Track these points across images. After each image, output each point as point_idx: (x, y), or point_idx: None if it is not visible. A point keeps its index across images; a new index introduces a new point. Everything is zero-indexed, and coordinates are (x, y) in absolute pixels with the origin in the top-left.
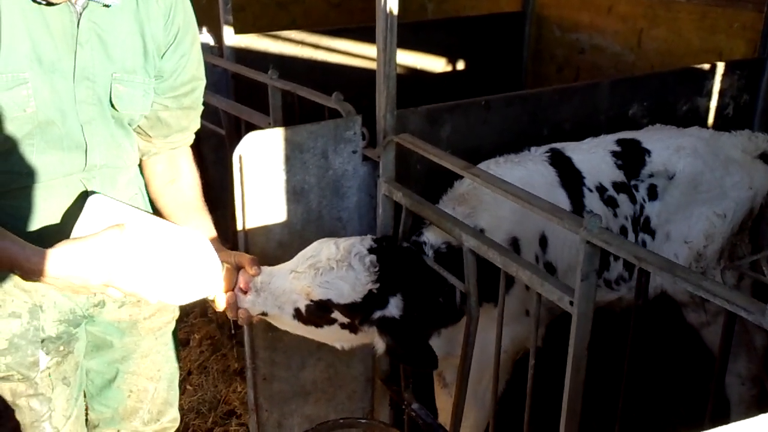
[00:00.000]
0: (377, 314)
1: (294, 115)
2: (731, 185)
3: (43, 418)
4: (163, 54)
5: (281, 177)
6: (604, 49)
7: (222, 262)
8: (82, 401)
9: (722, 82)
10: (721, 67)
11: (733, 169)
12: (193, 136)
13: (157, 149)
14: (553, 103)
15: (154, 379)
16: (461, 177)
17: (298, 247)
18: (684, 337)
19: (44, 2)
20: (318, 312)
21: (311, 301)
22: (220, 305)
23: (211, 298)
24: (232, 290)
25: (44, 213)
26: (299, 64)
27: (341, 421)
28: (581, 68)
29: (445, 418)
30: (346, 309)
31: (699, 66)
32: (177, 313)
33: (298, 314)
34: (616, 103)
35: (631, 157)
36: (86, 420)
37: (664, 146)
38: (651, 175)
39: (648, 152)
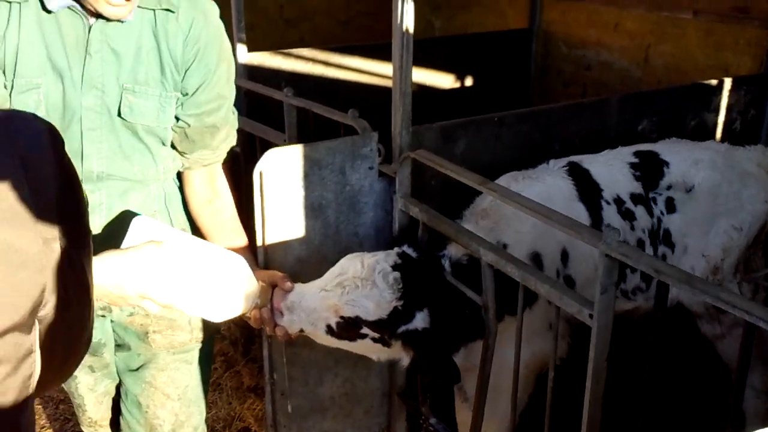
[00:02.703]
0: (402, 328)
1: (308, 131)
2: (748, 198)
3: (69, 383)
4: (186, 70)
5: (300, 193)
6: (611, 65)
7: (257, 280)
8: (113, 386)
9: (729, 97)
10: (728, 82)
11: (750, 182)
12: (224, 155)
13: (189, 164)
14: (563, 119)
15: (172, 396)
16: (479, 192)
17: (316, 262)
18: (698, 348)
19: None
20: (349, 328)
21: (341, 318)
22: (257, 322)
23: (247, 315)
24: (268, 307)
25: None
26: (310, 80)
27: None
28: (588, 84)
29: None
30: (374, 325)
31: (706, 81)
32: (199, 335)
33: (330, 330)
34: (626, 119)
35: (650, 169)
36: (120, 428)
37: (682, 158)
38: (669, 187)
39: (666, 164)
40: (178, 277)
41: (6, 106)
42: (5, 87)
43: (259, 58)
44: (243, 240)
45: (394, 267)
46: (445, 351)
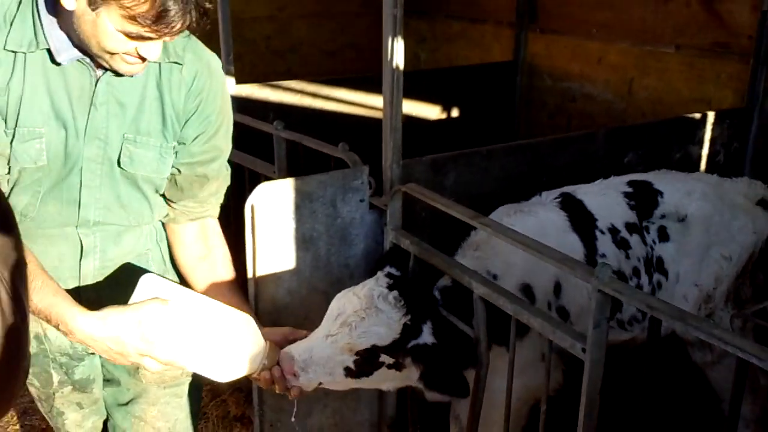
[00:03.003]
0: (412, 343)
1: (297, 163)
2: (738, 229)
3: (56, 419)
4: (186, 121)
5: (291, 225)
6: (595, 98)
7: (265, 339)
8: (100, 422)
9: (713, 130)
10: (711, 116)
11: (739, 213)
12: (214, 211)
13: (175, 215)
14: (550, 152)
15: (162, 430)
16: (470, 225)
17: (307, 293)
18: (689, 376)
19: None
20: (367, 361)
21: (357, 354)
22: (266, 383)
23: (255, 376)
24: (276, 365)
25: (47, 259)
26: (298, 112)
27: None
28: (573, 115)
29: None
30: (391, 349)
31: (690, 115)
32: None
33: (349, 372)
34: (612, 151)
35: (644, 198)
36: None
37: (675, 189)
38: (663, 216)
39: (660, 193)
40: (181, 336)
41: (6, 153)
42: (5, 134)
43: (248, 90)
44: (240, 298)
45: (389, 287)
46: (450, 364)
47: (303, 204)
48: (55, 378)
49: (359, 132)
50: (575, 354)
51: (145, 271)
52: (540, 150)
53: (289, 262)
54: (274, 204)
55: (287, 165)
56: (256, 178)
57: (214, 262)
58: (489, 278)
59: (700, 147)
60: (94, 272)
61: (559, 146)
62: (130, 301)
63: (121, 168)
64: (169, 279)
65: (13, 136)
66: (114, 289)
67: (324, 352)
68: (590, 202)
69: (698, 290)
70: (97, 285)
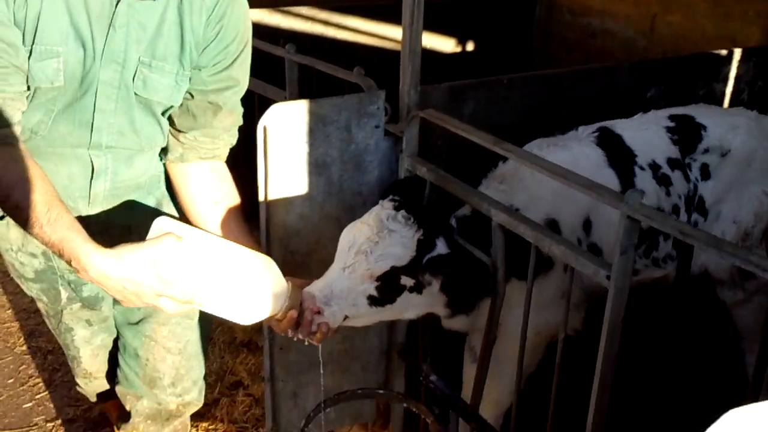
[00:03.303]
0: (427, 257)
1: (310, 89)
2: None
3: (65, 335)
4: (204, 48)
5: (304, 149)
6: (616, 34)
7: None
8: (110, 339)
9: (738, 68)
10: (737, 53)
11: None
12: (226, 152)
13: (183, 150)
14: (573, 84)
15: (173, 351)
16: (487, 156)
17: (319, 220)
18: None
19: None
20: (389, 285)
21: (378, 279)
22: (289, 322)
23: (278, 317)
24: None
25: (58, 178)
26: (309, 39)
27: (359, 391)
28: (592, 52)
29: (469, 391)
30: (409, 268)
31: (716, 51)
32: None
33: (373, 300)
34: (634, 86)
35: (687, 132)
36: (117, 379)
37: (718, 123)
38: (707, 150)
39: (704, 127)
40: (199, 275)
41: (26, 69)
42: (23, 50)
43: (258, 15)
44: (256, 246)
45: (396, 208)
46: (467, 266)
47: (317, 127)
48: (63, 295)
49: (372, 61)
50: (599, 281)
51: (159, 213)
52: (562, 81)
53: (301, 187)
54: (287, 126)
55: (299, 91)
56: (267, 105)
57: (226, 208)
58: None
59: (725, 84)
60: (104, 194)
61: (582, 78)
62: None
63: (136, 93)
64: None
65: (30, 54)
66: (123, 213)
67: (344, 284)
68: (630, 137)
69: (736, 227)
70: (106, 209)
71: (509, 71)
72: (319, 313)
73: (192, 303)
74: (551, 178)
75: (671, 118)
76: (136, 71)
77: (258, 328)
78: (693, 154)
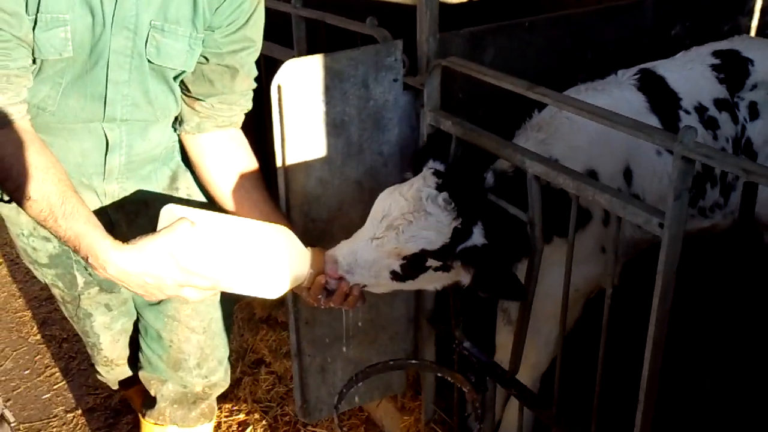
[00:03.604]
0: (461, 246)
1: (319, 47)
2: None
3: (83, 321)
4: (217, 8)
5: (321, 109)
6: None
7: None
8: (130, 323)
9: (764, 0)
10: None
11: None
12: (242, 118)
13: (200, 120)
14: (597, 24)
15: (197, 330)
16: (511, 107)
17: (339, 184)
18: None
19: None
20: (414, 266)
21: (404, 258)
22: (317, 290)
23: (306, 284)
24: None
25: (70, 155)
26: None
27: (391, 363)
28: None
29: (503, 355)
30: (440, 253)
31: None
32: None
33: (395, 276)
34: (660, 23)
35: (734, 69)
36: (140, 364)
37: (765, 56)
38: (755, 86)
39: (751, 62)
40: (219, 257)
41: (30, 41)
42: (27, 20)
43: None
44: (281, 215)
45: (438, 188)
46: (505, 264)
47: (333, 84)
48: (80, 280)
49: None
50: (650, 230)
51: (176, 186)
52: (585, 21)
53: (319, 150)
54: (302, 84)
55: (308, 49)
56: (273, 65)
57: (248, 177)
58: None
59: (750, 18)
60: (119, 168)
61: (606, 17)
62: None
63: (149, 61)
64: (192, 205)
65: (35, 24)
66: (139, 187)
67: (370, 256)
68: (673, 79)
69: None
70: (122, 183)
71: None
72: (340, 279)
73: (216, 288)
74: (589, 124)
75: (715, 54)
76: (147, 37)
77: (277, 303)
78: (740, 92)
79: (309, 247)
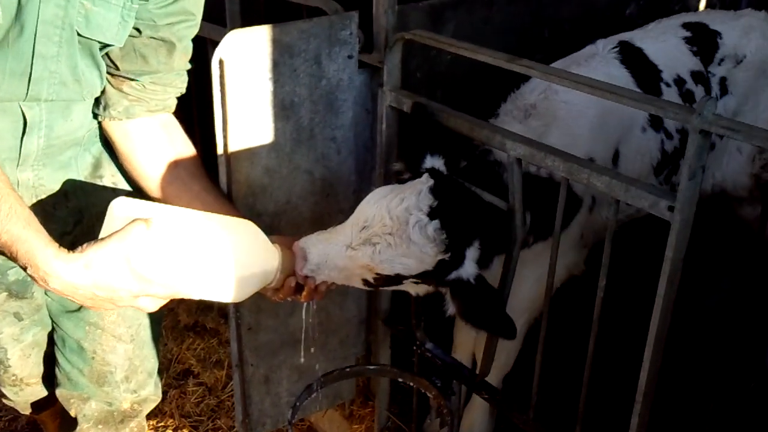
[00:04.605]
0: (452, 275)
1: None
2: None
3: None
4: None
5: (268, 87)
6: None
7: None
8: (43, 334)
9: None
10: None
11: None
12: (175, 101)
13: (129, 103)
14: (553, 2)
15: (124, 338)
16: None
17: (288, 173)
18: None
19: None
20: (389, 282)
21: (377, 274)
22: (288, 291)
23: (273, 285)
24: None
25: None
26: None
27: (347, 370)
28: None
29: (462, 355)
30: (418, 277)
31: None
32: None
33: (367, 284)
34: (614, 3)
35: (705, 42)
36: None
37: (731, 28)
38: (722, 60)
39: (719, 34)
40: (180, 260)
41: None
42: None
43: None
44: (230, 206)
45: (431, 213)
46: (493, 303)
47: (282, 60)
48: None
49: None
50: (657, 214)
51: (97, 175)
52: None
53: (266, 135)
54: (247, 59)
55: (242, 26)
56: (205, 48)
57: (184, 168)
58: None
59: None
60: (36, 153)
61: None
62: (101, 233)
63: (78, 33)
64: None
65: None
66: (58, 176)
67: (341, 262)
68: (651, 51)
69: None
70: (38, 171)
71: None
72: (305, 278)
73: (176, 296)
74: (590, 108)
75: (685, 26)
76: (76, 6)
77: (204, 307)
78: (710, 66)
79: (276, 243)
